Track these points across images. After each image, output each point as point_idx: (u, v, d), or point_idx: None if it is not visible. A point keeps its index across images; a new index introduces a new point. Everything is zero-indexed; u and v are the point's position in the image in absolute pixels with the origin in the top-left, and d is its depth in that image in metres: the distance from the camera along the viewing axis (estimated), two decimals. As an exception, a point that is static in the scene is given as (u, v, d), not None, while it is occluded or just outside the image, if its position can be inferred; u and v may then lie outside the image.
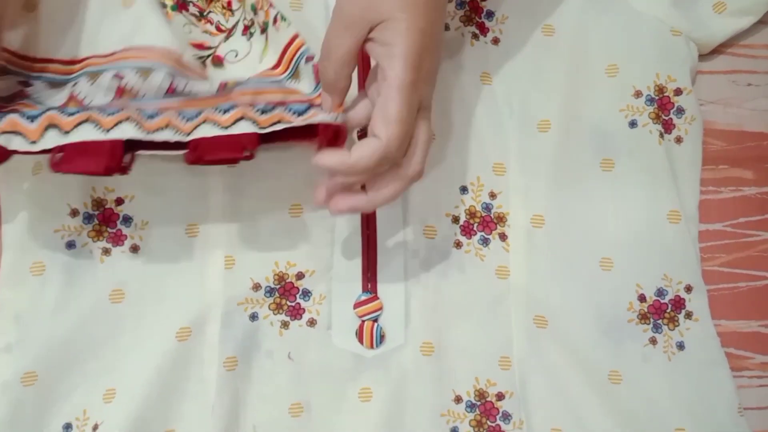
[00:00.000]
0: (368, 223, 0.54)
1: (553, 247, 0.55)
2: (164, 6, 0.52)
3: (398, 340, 0.53)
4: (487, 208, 0.55)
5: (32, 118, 0.45)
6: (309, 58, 0.48)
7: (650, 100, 0.56)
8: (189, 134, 0.45)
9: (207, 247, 0.52)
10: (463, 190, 0.55)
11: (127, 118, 0.45)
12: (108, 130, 0.44)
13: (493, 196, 0.55)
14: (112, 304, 0.51)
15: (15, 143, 0.44)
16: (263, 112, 0.46)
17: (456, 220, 0.55)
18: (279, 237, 0.53)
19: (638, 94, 0.56)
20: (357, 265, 0.54)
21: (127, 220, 0.52)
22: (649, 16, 0.56)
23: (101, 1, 0.50)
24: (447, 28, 0.57)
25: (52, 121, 0.45)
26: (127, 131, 0.44)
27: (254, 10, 0.51)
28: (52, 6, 0.50)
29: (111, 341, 0.51)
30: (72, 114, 0.45)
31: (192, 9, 0.53)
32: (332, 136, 0.46)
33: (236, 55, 0.52)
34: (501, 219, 0.55)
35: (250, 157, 0.45)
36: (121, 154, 0.44)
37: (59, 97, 0.48)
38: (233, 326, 0.52)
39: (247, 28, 0.52)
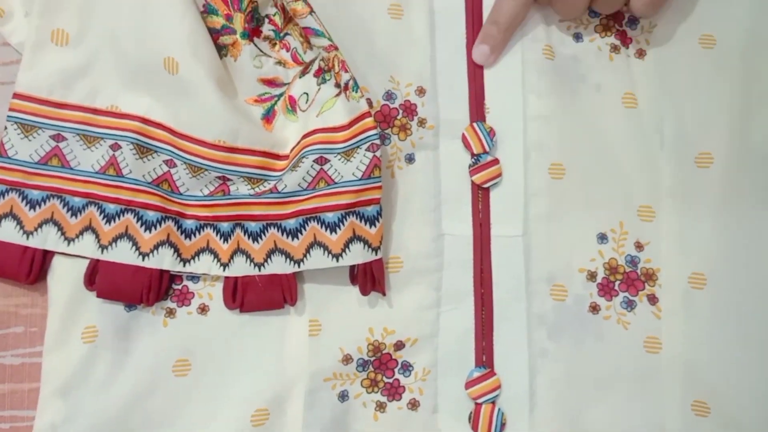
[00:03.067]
0: (483, 280, 0.44)
1: (718, 314, 0.44)
2: (233, 32, 0.44)
3: (521, 429, 0.43)
4: (633, 262, 0.45)
5: (75, 211, 0.43)
6: (373, 147, 0.41)
7: (844, 128, 0.44)
8: (226, 266, 0.43)
9: (288, 308, 0.43)
10: (602, 238, 0.45)
11: (167, 238, 0.43)
12: (145, 255, 0.42)
13: (639, 247, 0.45)
14: (175, 378, 0.43)
15: (51, 240, 0.43)
16: (294, 236, 0.42)
17: (592, 276, 0.45)
18: (374, 297, 0.44)
19: (828, 120, 0.44)
20: (469, 332, 0.44)
21: (194, 275, 0.44)
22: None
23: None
24: (579, 38, 0.46)
25: (92, 222, 0.43)
26: (164, 259, 0.43)
27: (324, 69, 0.43)
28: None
29: (173, 423, 0.42)
30: (112, 218, 0.43)
31: (267, 29, 0.45)
32: (371, 269, 0.43)
33: (307, 100, 0.44)
34: (650, 276, 0.45)
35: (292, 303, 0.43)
36: (159, 284, 0.43)
37: (96, 156, 0.43)
38: (319, 407, 0.43)
39: (321, 71, 0.44)
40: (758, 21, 0.46)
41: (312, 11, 0.43)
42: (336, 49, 0.43)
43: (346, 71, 0.42)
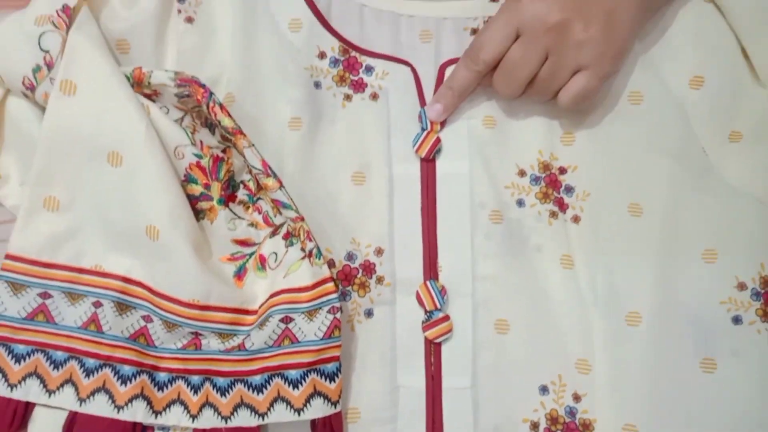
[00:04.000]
0: (434, 430, 0.48)
1: (650, 466, 0.47)
2: (211, 199, 0.49)
3: None
4: (572, 413, 0.49)
5: (57, 365, 0.47)
6: (334, 309, 0.46)
7: (756, 294, 0.49)
8: (195, 417, 0.46)
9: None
10: (543, 390, 0.49)
11: (141, 391, 0.46)
12: (120, 408, 0.46)
13: (577, 398, 0.49)
14: None
15: (33, 393, 0.46)
16: (259, 391, 0.46)
17: (535, 426, 0.48)
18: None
19: (742, 286, 0.49)
20: (421, 482, 0.47)
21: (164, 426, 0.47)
22: (750, 196, 0.50)
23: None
24: (522, 204, 0.52)
25: (72, 376, 0.46)
26: (138, 411, 0.46)
27: (292, 233, 0.48)
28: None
29: None
30: (91, 372, 0.46)
31: (241, 194, 0.50)
32: (330, 422, 0.46)
33: (275, 259, 0.48)
34: (587, 426, 0.48)
35: None
36: None
37: (79, 312, 0.47)
38: None
39: (289, 234, 0.48)
40: (679, 189, 0.51)
41: (281, 186, 0.48)
42: (302, 220, 0.47)
43: (311, 240, 0.47)
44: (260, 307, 0.48)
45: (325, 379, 0.45)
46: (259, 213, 0.50)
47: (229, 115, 0.47)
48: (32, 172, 0.47)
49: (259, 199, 0.50)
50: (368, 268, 0.50)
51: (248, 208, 0.50)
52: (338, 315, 0.46)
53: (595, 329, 0.49)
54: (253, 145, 0.47)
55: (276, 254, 0.49)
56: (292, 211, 0.48)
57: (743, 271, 0.49)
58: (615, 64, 0.50)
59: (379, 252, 0.50)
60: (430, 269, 0.51)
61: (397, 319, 0.50)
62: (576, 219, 0.52)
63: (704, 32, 0.53)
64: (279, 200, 0.48)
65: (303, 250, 0.47)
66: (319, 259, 0.47)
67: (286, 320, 0.46)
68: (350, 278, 0.50)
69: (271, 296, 0.47)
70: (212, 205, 0.49)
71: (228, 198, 0.50)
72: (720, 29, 0.53)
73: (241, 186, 0.51)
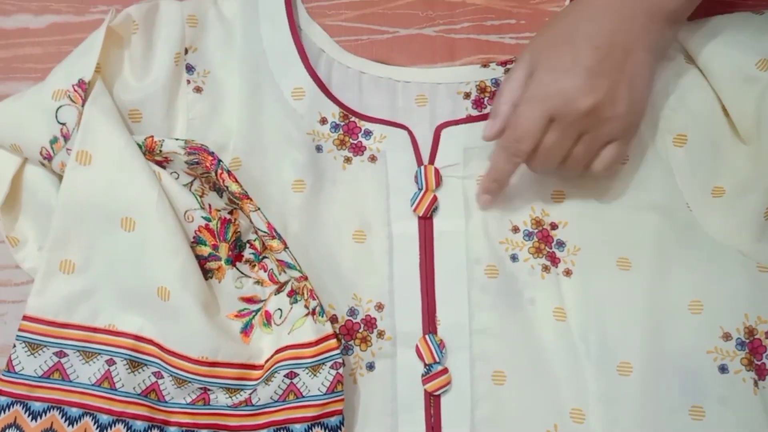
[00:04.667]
0: (435, 479, 0.50)
1: None
2: (219, 259, 0.51)
3: None
4: (567, 461, 0.51)
5: (72, 421, 0.48)
6: (336, 365, 0.48)
7: (741, 344, 0.51)
8: None
9: None
10: (539, 439, 0.51)
11: None
12: None
13: (572, 447, 0.51)
14: None
15: None
16: None
17: (531, 474, 0.50)
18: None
19: (727, 336, 0.51)
20: None
21: None
22: (733, 250, 0.53)
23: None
24: (515, 258, 0.54)
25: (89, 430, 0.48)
26: None
27: (296, 291, 0.51)
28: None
29: None
30: (104, 428, 0.48)
31: (248, 253, 0.52)
32: None
33: (280, 316, 0.50)
34: (582, 474, 0.50)
35: None
36: None
37: (93, 370, 0.49)
38: None
39: (293, 292, 0.50)
40: (665, 243, 0.53)
41: (286, 247, 0.50)
42: (306, 279, 0.50)
43: (314, 299, 0.49)
44: (266, 362, 0.50)
45: None
46: (265, 271, 0.52)
47: (236, 181, 0.50)
48: (49, 237, 0.50)
49: (264, 257, 0.53)
50: (369, 323, 0.52)
51: (254, 266, 0.53)
52: (341, 370, 0.48)
53: (588, 379, 0.51)
54: (259, 208, 0.50)
55: (281, 310, 0.51)
56: (296, 271, 0.50)
57: (728, 321, 0.52)
58: (637, 128, 0.52)
59: (379, 307, 0.53)
60: (429, 323, 0.53)
61: (398, 372, 0.52)
62: (568, 273, 0.54)
63: (687, 92, 0.55)
64: (283, 261, 0.50)
65: (306, 307, 0.50)
66: (322, 316, 0.49)
67: (291, 375, 0.48)
68: (352, 333, 0.52)
69: (277, 352, 0.50)
70: (220, 265, 0.52)
71: (235, 258, 0.52)
72: (702, 89, 0.55)
73: (247, 245, 0.53)
